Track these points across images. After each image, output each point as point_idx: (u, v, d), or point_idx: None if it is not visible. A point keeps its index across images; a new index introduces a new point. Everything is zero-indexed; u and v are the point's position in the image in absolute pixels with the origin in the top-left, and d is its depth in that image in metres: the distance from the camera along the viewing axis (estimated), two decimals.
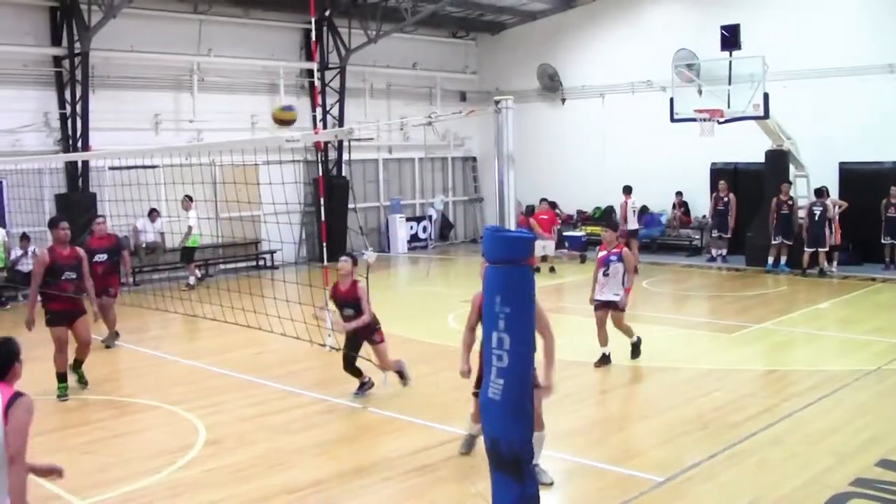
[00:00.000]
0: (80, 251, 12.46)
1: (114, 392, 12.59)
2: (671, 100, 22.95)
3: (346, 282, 11.32)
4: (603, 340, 12.93)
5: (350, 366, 11.58)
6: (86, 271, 12.30)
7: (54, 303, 11.94)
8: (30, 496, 7.97)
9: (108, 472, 9.16)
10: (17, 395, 5.37)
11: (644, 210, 25.88)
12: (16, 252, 20.25)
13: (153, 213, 22.47)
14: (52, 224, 12.35)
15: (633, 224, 23.34)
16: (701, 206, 25.82)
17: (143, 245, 22.83)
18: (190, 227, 21.62)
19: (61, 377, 12.01)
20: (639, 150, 26.83)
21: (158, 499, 8.36)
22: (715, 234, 24.38)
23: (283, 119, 17.15)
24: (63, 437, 10.54)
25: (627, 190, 23.60)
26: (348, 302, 11.30)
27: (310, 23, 23.86)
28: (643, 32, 27.17)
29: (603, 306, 12.92)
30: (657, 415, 10.76)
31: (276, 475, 8.90)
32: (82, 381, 12.54)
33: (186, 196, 21.17)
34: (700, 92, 23.57)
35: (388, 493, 8.48)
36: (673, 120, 22.84)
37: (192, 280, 21.81)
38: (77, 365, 12.51)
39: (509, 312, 5.84)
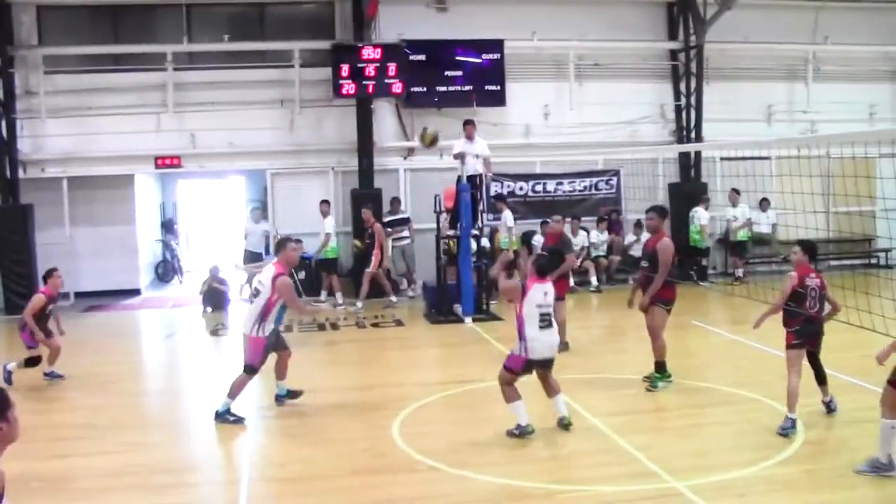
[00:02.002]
0: (661, 242, 11.74)
1: (715, 380, 12.37)
2: None
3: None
4: None
5: None
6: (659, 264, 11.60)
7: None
8: (625, 469, 8.58)
9: (704, 457, 9.06)
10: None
11: None
12: (630, 238, 21.14)
13: (763, 203, 21.93)
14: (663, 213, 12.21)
15: None
16: None
17: (750, 235, 22.35)
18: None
19: (659, 366, 11.83)
20: None
21: (752, 491, 8.02)
22: None
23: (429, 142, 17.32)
24: (663, 418, 10.71)
25: None
26: None
27: None
28: None
29: None
30: None
31: (875, 485, 8.03)
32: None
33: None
34: None
35: None
36: None
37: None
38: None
39: None
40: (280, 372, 11.17)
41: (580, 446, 9.52)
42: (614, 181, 22.10)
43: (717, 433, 10.06)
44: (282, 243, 10.89)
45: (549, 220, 15.94)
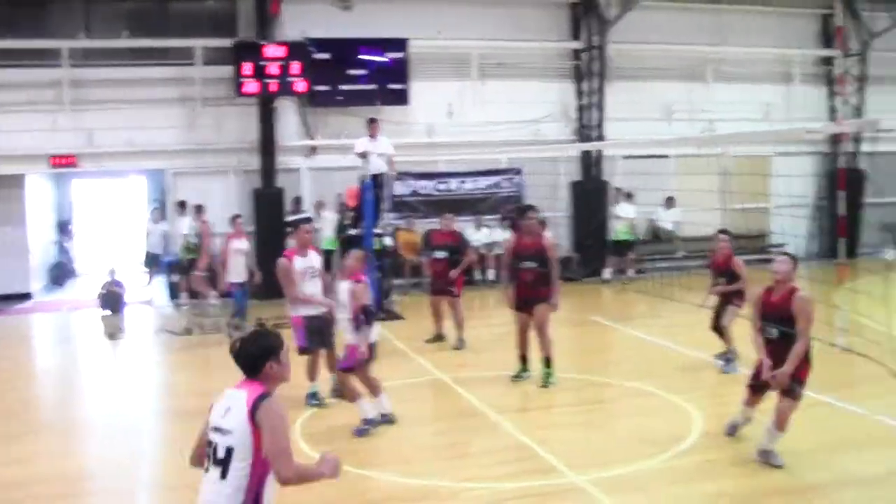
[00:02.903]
0: (548, 241, 12.29)
1: (615, 375, 12.58)
2: None
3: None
4: None
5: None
6: (551, 260, 11.86)
7: (517, 289, 11.83)
8: (527, 465, 8.69)
9: (605, 452, 9.14)
10: (264, 396, 4.63)
11: None
12: None
13: (669, 201, 22.39)
14: (522, 213, 12.41)
15: None
16: None
17: (655, 227, 22.96)
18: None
19: (522, 359, 12.06)
20: None
21: (651, 484, 8.24)
22: None
23: None
24: (564, 414, 10.89)
25: None
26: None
27: (829, 8, 22.80)
28: None
29: None
30: None
31: (768, 474, 8.30)
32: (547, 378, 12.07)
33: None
34: None
35: None
36: None
37: None
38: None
39: None
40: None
41: (483, 444, 9.57)
42: (517, 179, 22.17)
43: (617, 427, 10.29)
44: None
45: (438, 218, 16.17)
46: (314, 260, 11.05)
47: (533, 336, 11.91)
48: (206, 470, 4.61)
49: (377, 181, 17.18)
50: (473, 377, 12.33)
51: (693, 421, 9.99)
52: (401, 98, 20.84)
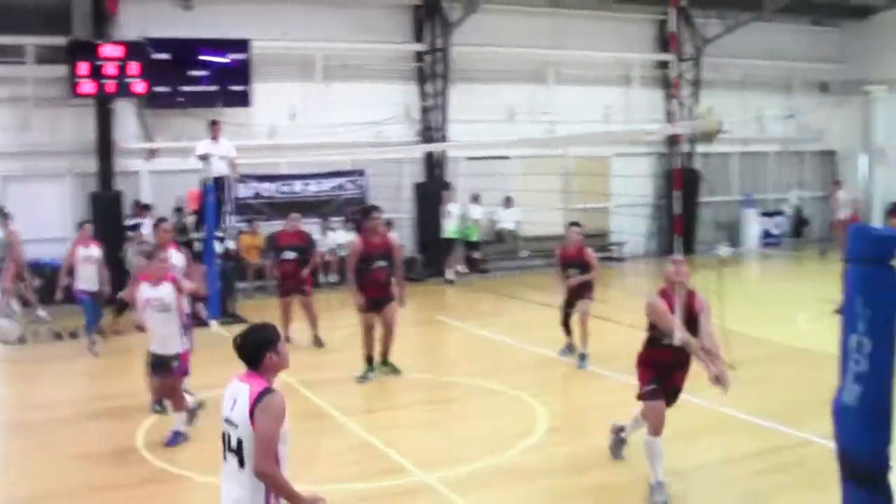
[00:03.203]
0: (393, 240, 12.73)
1: (461, 374, 12.97)
2: None
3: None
4: None
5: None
6: (397, 260, 12.43)
7: (365, 290, 12.14)
8: (377, 466, 8.94)
9: (453, 450, 9.46)
10: (266, 391, 5.02)
11: None
12: None
13: (508, 202, 23.14)
14: (366, 214, 12.82)
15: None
16: None
17: (497, 231, 23.63)
18: None
19: (368, 360, 12.44)
20: None
21: (499, 480, 8.58)
22: None
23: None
24: (411, 413, 11.23)
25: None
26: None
27: (665, 14, 23.90)
28: None
29: None
30: None
31: (611, 467, 8.85)
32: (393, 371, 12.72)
33: None
34: None
35: (732, 494, 8.39)
36: None
37: None
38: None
39: (871, 315, 5.41)
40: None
41: (331, 445, 9.81)
42: (361, 181, 22.52)
43: (464, 425, 10.70)
44: None
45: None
46: (176, 258, 11.19)
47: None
48: (224, 458, 5.06)
49: (219, 184, 17.25)
50: (319, 379, 12.55)
51: (539, 417, 10.42)
52: (243, 100, 20.90)
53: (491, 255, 23.63)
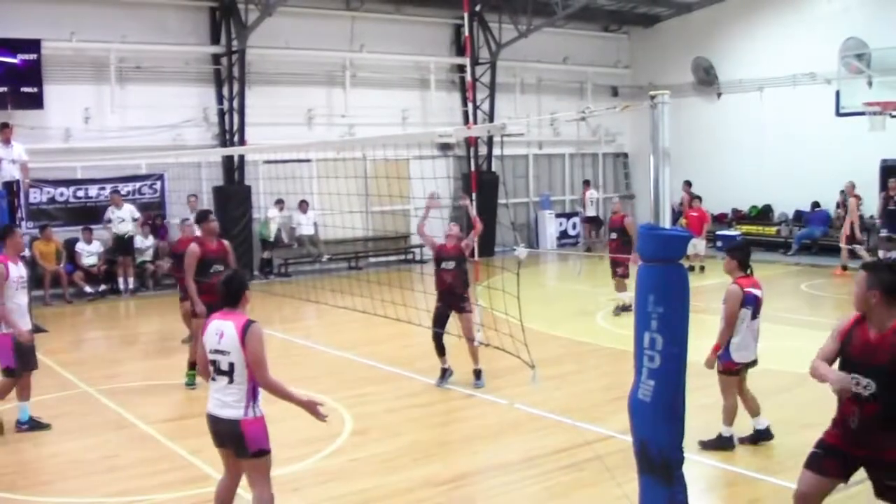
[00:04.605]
0: (227, 244, 12.93)
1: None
2: (837, 92, 23.24)
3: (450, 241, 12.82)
4: None
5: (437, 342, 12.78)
6: (232, 264, 12.51)
7: (205, 295, 12.09)
8: (179, 475, 9.24)
9: None
10: (250, 322, 6.81)
11: (816, 206, 26.43)
12: None
13: (303, 205, 24.45)
14: (202, 218, 13.03)
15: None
16: (869, 205, 24.61)
17: (297, 236, 24.95)
18: None
19: (192, 366, 12.60)
20: (800, 146, 26.69)
21: (306, 485, 8.98)
22: (884, 233, 22.73)
23: None
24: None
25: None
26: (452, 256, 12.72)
27: (460, 18, 25.38)
28: (807, 21, 26.95)
29: None
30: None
31: (421, 467, 9.44)
32: None
33: None
34: (870, 84, 23.07)
35: (531, 490, 8.81)
36: (839, 114, 23.03)
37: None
38: None
39: (662, 312, 5.84)
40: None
41: (135, 455, 10.04)
42: (158, 185, 23.41)
43: (270, 430, 11.03)
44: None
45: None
46: (24, 269, 11.18)
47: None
48: (213, 379, 6.90)
49: (10, 189, 17.76)
50: (121, 388, 13.00)
51: (343, 420, 10.97)
52: (35, 102, 21.43)
53: (292, 258, 25.04)
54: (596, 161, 32.77)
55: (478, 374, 12.84)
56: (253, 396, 6.85)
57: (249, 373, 6.77)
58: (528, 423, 11.05)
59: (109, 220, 22.12)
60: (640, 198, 32.31)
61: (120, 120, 22.65)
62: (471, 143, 26.62)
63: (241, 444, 6.83)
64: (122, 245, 21.97)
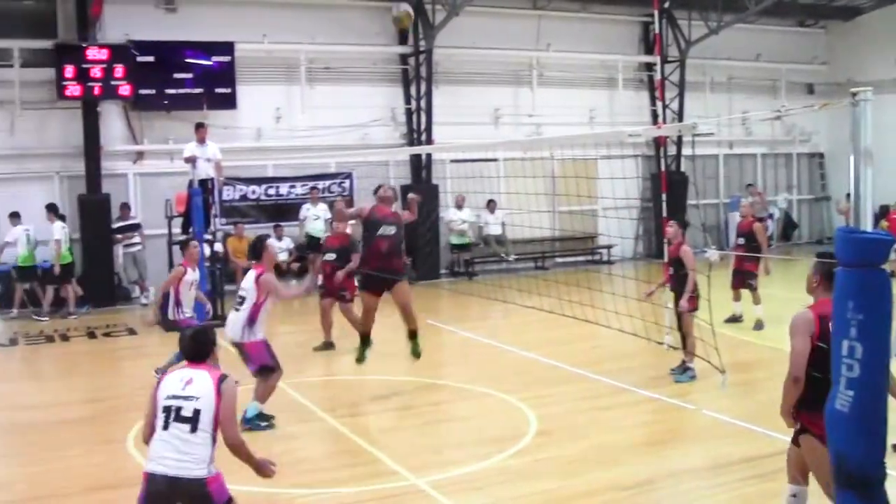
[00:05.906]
0: (402, 214, 12.84)
1: (450, 377, 13.72)
2: None
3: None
4: None
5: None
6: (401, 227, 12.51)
7: (373, 259, 12.29)
8: (366, 469, 9.40)
9: (443, 453, 10.03)
10: (225, 376, 6.31)
11: None
12: None
13: (490, 205, 24.28)
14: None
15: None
16: None
17: (484, 236, 24.78)
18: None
19: (364, 338, 12.74)
20: None
21: (490, 484, 8.90)
22: None
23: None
24: (401, 416, 11.73)
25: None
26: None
27: (649, 16, 24.98)
28: None
29: None
30: None
31: (606, 470, 9.24)
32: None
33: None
34: None
35: (721, 499, 8.59)
36: None
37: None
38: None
39: (862, 319, 5.50)
40: None
41: (319, 448, 10.32)
42: (347, 184, 23.60)
43: (453, 429, 11.21)
44: (259, 243, 11.07)
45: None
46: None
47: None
48: (165, 428, 6.14)
49: (205, 186, 18.31)
50: (309, 382, 13.18)
51: (528, 420, 10.86)
52: (228, 102, 21.99)
53: (479, 258, 24.89)
54: (790, 161, 31.42)
55: None
56: (213, 441, 6.27)
57: (215, 424, 6.19)
58: (715, 429, 10.74)
59: (304, 218, 22.41)
60: (836, 200, 30.23)
61: (309, 119, 22.97)
62: (660, 142, 26.02)
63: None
64: (314, 243, 22.14)
